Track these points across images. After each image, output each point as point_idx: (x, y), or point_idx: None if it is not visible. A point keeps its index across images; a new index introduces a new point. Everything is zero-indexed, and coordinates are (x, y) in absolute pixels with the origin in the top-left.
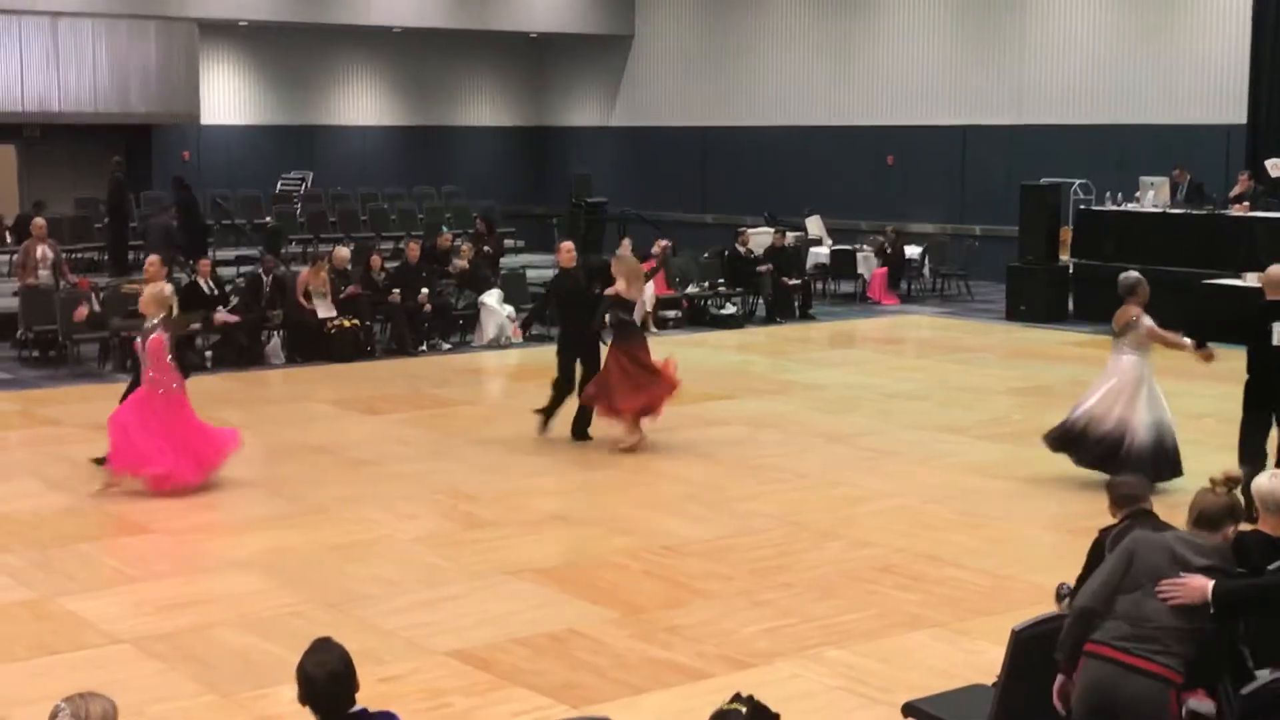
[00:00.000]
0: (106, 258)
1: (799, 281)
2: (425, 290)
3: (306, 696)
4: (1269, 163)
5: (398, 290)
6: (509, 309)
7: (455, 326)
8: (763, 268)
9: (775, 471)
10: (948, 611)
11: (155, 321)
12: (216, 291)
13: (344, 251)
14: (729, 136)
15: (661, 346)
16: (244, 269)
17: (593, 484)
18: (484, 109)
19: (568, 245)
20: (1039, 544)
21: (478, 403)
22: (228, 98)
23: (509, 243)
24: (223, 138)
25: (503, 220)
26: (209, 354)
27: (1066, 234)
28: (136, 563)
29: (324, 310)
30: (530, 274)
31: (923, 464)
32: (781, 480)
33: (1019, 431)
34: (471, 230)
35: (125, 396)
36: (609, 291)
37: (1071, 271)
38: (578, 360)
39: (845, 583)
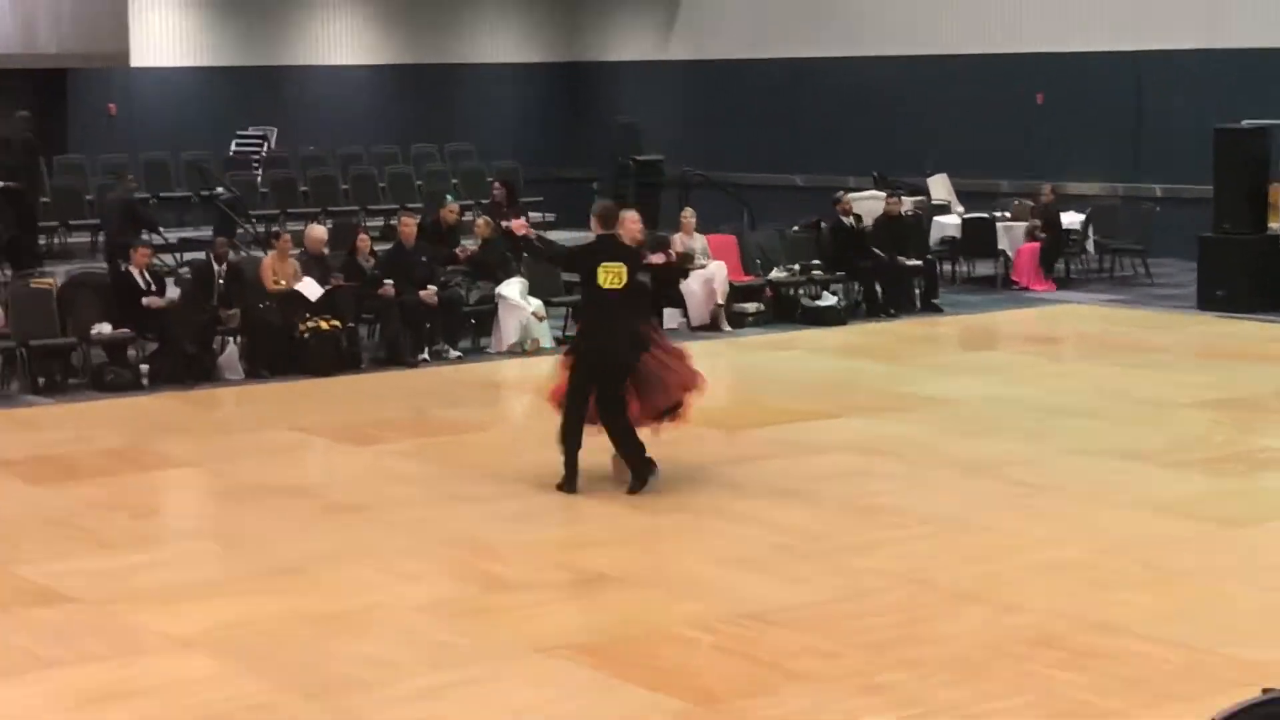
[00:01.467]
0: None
1: (920, 262)
2: (429, 283)
3: None
4: None
5: (391, 282)
6: (536, 304)
7: (467, 328)
8: (871, 252)
9: (894, 514)
10: (1127, 696)
11: None
12: (154, 285)
13: (319, 231)
14: (824, 71)
15: (736, 352)
16: (189, 256)
17: (651, 532)
18: (501, 41)
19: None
20: (1245, 607)
21: (498, 427)
22: (165, 33)
23: (535, 215)
24: (159, 85)
25: (527, 187)
26: (144, 367)
27: (1278, 193)
28: (53, 641)
29: (309, 287)
30: None
31: (1091, 501)
32: (902, 526)
33: (1218, 457)
34: (486, 200)
35: None
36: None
37: None
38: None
39: (989, 660)
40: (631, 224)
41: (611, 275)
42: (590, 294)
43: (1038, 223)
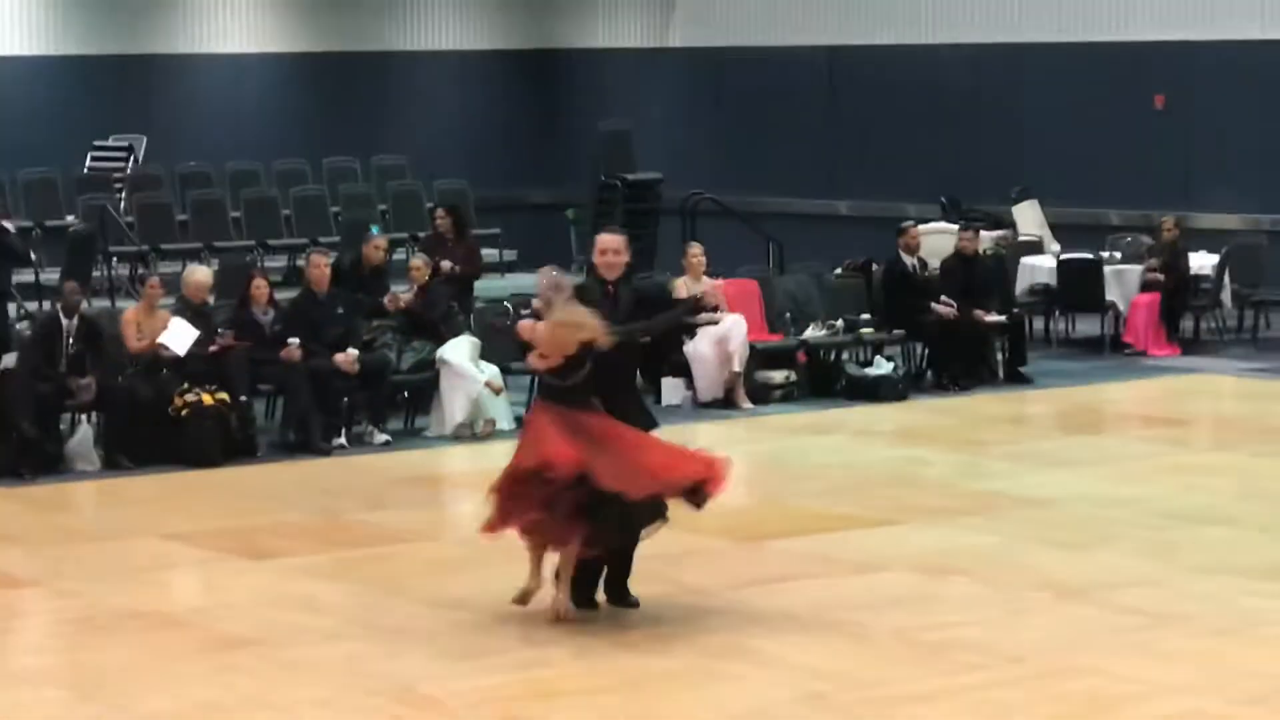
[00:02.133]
0: None
1: (1003, 318)
2: (347, 343)
3: None
4: None
5: (296, 341)
6: (491, 371)
7: (397, 403)
8: (942, 307)
9: (968, 652)
10: None
11: None
12: None
13: (200, 274)
14: (875, 65)
15: (758, 437)
16: (30, 306)
17: (642, 677)
18: (446, 24)
19: (613, 241)
20: None
21: (438, 537)
22: (2, 13)
23: (491, 253)
24: None
25: (480, 216)
26: None
27: None
28: None
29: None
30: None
31: (1229, 636)
32: (979, 668)
33: None
34: (426, 233)
35: None
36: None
37: None
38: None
39: None
40: (608, 253)
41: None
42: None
43: (1155, 264)
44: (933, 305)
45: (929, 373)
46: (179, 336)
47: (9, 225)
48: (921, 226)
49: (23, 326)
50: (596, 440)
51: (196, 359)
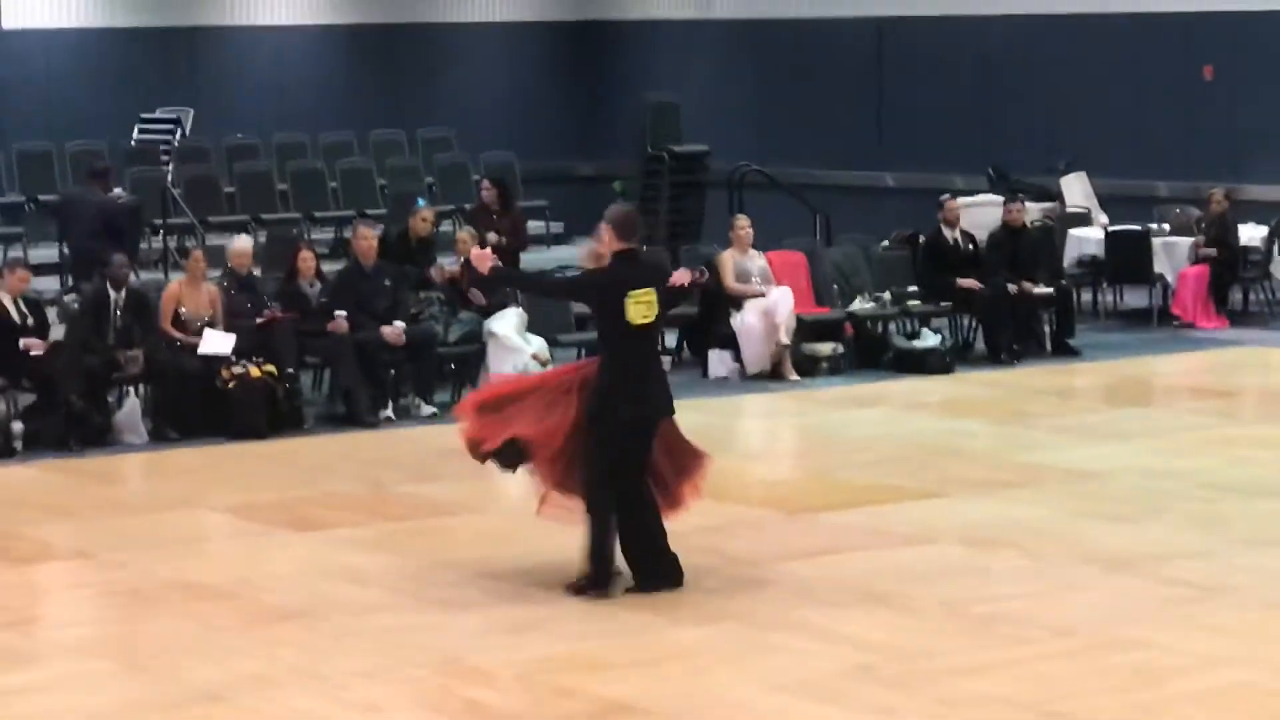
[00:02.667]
0: None
1: (1050, 289)
2: (394, 316)
3: None
4: None
5: (343, 314)
6: (538, 343)
7: (444, 376)
8: (966, 282)
9: (1015, 624)
10: None
11: None
12: (30, 319)
13: (244, 243)
14: (922, 36)
15: (805, 409)
16: (77, 280)
17: (690, 649)
18: None
19: (619, 219)
20: None
21: (485, 510)
22: None
23: (537, 225)
24: (38, 53)
25: (526, 187)
26: (18, 427)
27: None
28: None
29: (210, 343)
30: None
31: (1276, 609)
32: (1027, 641)
33: None
34: (471, 205)
35: None
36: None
37: None
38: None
39: None
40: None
41: (643, 306)
42: (618, 332)
43: (1203, 238)
44: (959, 282)
45: (974, 345)
46: (217, 344)
47: (119, 193)
48: (968, 199)
49: (70, 299)
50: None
51: (244, 331)
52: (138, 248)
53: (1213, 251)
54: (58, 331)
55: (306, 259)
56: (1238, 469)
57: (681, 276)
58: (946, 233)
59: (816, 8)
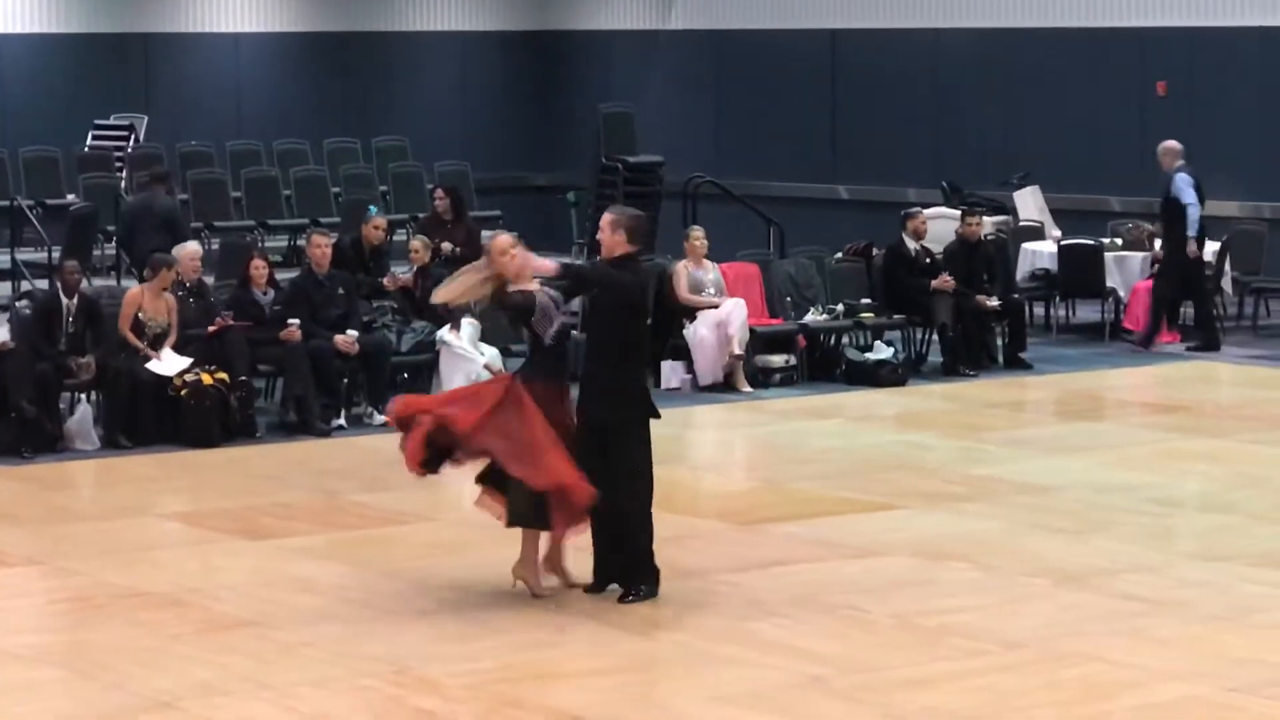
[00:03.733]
0: None
1: (1000, 302)
2: (347, 324)
3: None
4: None
5: (296, 322)
6: (491, 353)
7: (397, 384)
8: (940, 279)
9: (965, 637)
10: None
11: None
12: None
13: (192, 249)
14: (876, 49)
15: (757, 420)
16: (28, 285)
17: (639, 659)
18: (449, 4)
19: (619, 219)
20: None
21: (437, 519)
22: None
23: (489, 235)
24: None
25: (480, 197)
26: None
27: None
28: None
29: (166, 365)
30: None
31: (1227, 623)
32: (977, 653)
33: None
34: (424, 215)
35: None
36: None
37: None
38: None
39: None
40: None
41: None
42: (637, 332)
43: (1156, 254)
44: (932, 283)
45: (927, 356)
46: (171, 367)
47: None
48: (927, 212)
49: (22, 305)
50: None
51: (195, 339)
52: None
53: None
54: (3, 337)
55: (259, 267)
56: (1187, 483)
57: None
58: (909, 244)
59: (772, 19)
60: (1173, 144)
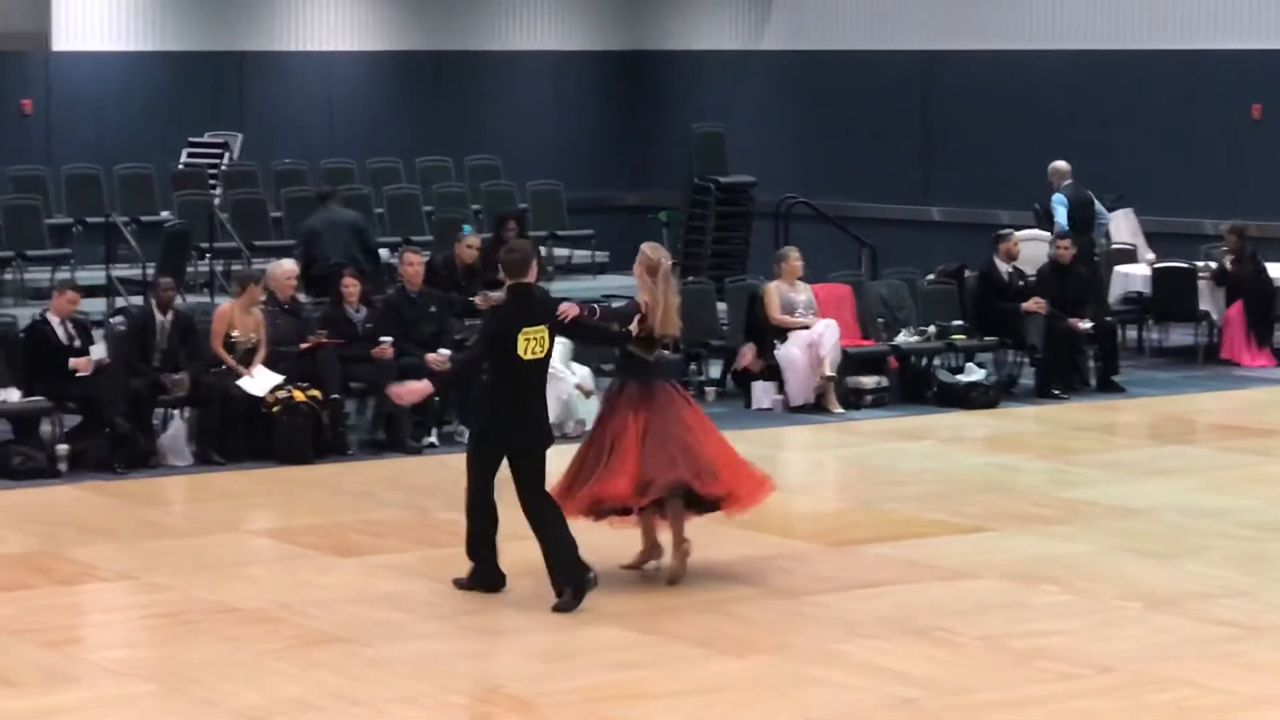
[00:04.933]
0: None
1: (1093, 325)
2: (439, 343)
3: None
4: None
5: (389, 340)
6: (582, 373)
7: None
8: (1032, 302)
9: (1056, 660)
10: None
11: None
12: (78, 340)
13: (286, 267)
14: (970, 70)
15: (849, 442)
16: (123, 302)
17: (728, 680)
18: (541, 24)
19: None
20: None
21: (526, 536)
22: (98, 8)
23: (582, 254)
24: (89, 75)
25: (572, 217)
26: (62, 448)
27: None
28: None
29: (257, 383)
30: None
31: None
32: (1069, 676)
33: None
34: (489, 235)
35: None
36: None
37: None
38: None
39: None
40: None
41: (533, 342)
42: (511, 364)
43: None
44: (1024, 305)
45: (1019, 379)
46: (259, 383)
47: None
48: (1017, 234)
49: (117, 321)
50: (662, 429)
51: (288, 356)
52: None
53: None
54: (99, 354)
55: (351, 285)
56: (1279, 508)
57: (568, 310)
58: (1001, 266)
59: (866, 40)
60: (1060, 164)
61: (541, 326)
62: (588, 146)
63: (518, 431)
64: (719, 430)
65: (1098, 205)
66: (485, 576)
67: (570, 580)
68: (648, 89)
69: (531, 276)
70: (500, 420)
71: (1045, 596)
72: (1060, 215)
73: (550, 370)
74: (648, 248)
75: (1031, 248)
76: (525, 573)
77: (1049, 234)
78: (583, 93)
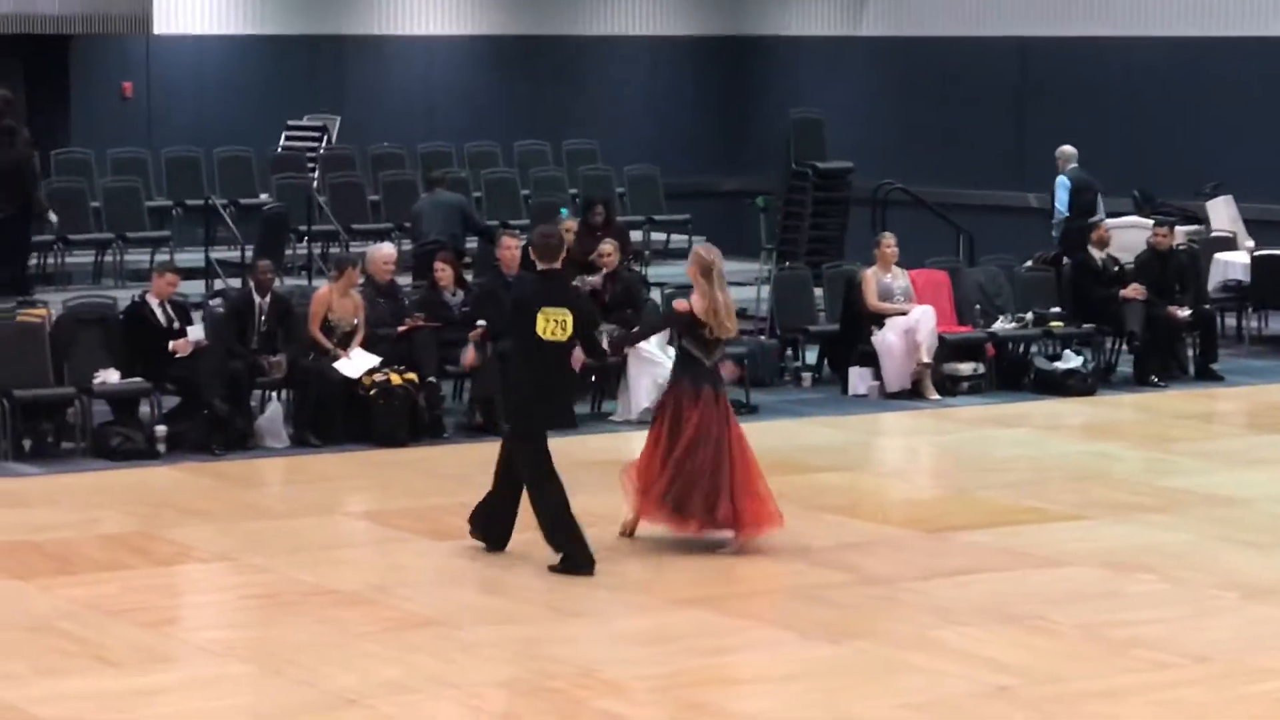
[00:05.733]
0: None
1: (1191, 313)
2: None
3: None
4: None
5: (484, 323)
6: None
7: (586, 387)
8: (1131, 288)
9: (1153, 649)
10: None
11: None
12: (177, 322)
13: (385, 251)
14: (1068, 57)
15: (945, 429)
16: (222, 284)
17: (824, 666)
18: (638, 8)
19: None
20: None
21: (620, 519)
22: None
23: (679, 239)
24: (189, 59)
25: (669, 201)
26: (161, 430)
27: None
28: None
29: (354, 365)
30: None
31: None
32: (1165, 665)
33: None
34: (577, 218)
35: None
36: (677, 306)
37: None
38: None
39: None
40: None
41: (554, 324)
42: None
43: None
44: (1123, 292)
45: (1117, 366)
46: (356, 365)
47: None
48: (1114, 221)
49: (216, 303)
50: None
51: (385, 339)
52: (281, 254)
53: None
54: (197, 335)
55: (445, 269)
56: None
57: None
58: (1094, 254)
59: (963, 26)
60: (1067, 148)
61: (564, 309)
62: (685, 131)
63: (546, 407)
64: (749, 449)
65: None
66: (574, 557)
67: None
68: (745, 74)
69: (559, 264)
70: (528, 399)
71: (1141, 585)
72: (1061, 198)
73: (646, 355)
74: (700, 248)
75: (1130, 234)
76: (613, 557)
77: (1148, 220)
78: (680, 78)
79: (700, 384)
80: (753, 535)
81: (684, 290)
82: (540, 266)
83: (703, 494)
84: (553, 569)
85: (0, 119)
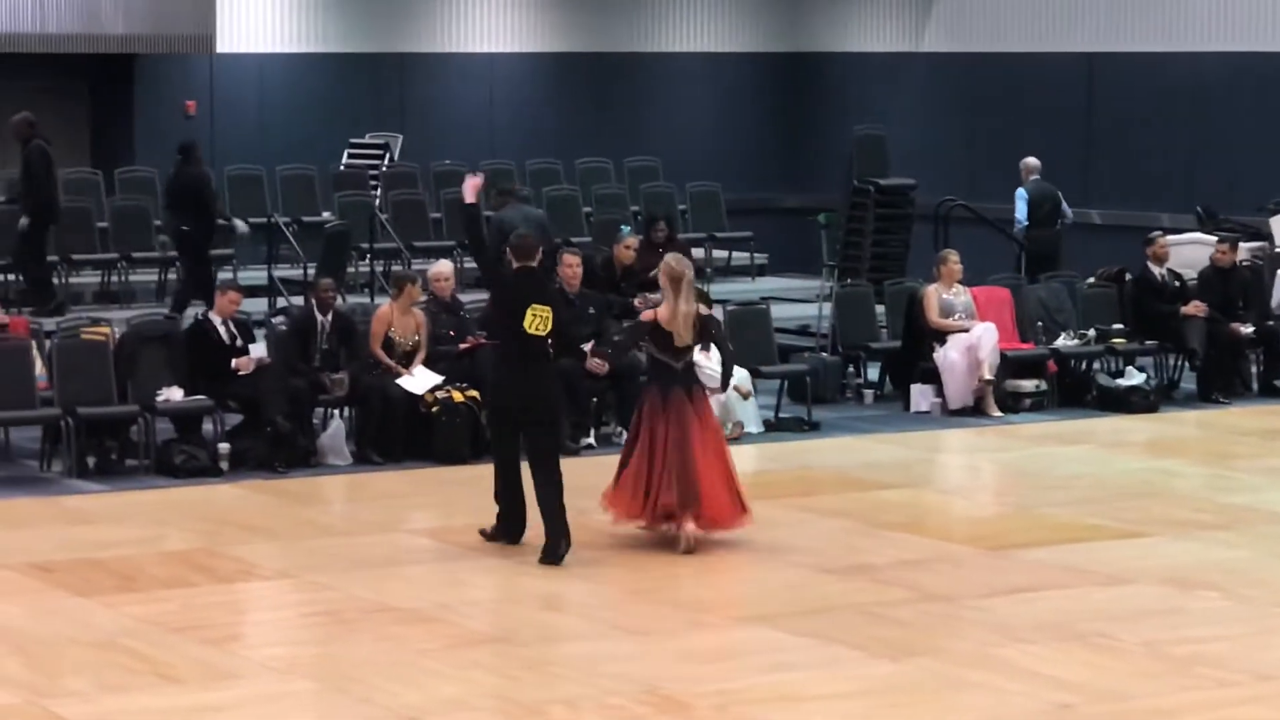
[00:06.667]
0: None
1: (1255, 329)
2: (597, 344)
3: None
4: None
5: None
6: (741, 375)
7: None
8: (1192, 305)
9: (1216, 667)
10: None
11: None
12: (239, 340)
13: (443, 268)
14: (1132, 72)
15: (1007, 445)
16: (285, 302)
17: (886, 683)
18: (700, 25)
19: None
20: None
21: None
22: (262, 11)
23: (741, 256)
24: (251, 77)
25: (731, 218)
26: (224, 447)
27: None
28: None
29: (416, 382)
30: (779, 312)
31: None
32: (1228, 683)
33: None
34: (640, 235)
35: None
36: (644, 316)
37: None
38: None
39: None
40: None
41: (538, 319)
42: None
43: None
44: (1184, 308)
45: (1179, 383)
46: (419, 383)
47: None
48: (1176, 237)
49: (279, 321)
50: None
51: (446, 356)
52: (343, 272)
53: None
54: (260, 353)
55: (575, 266)
56: None
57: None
58: (1154, 270)
59: (1026, 42)
60: (1030, 160)
61: (547, 307)
62: (747, 148)
63: (520, 396)
64: (724, 444)
65: (1064, 205)
66: (507, 526)
67: (555, 531)
68: (807, 91)
69: (535, 263)
70: (504, 386)
71: (1204, 602)
72: (1020, 210)
73: (710, 371)
74: (671, 259)
75: (1193, 250)
76: (675, 575)
77: (1211, 236)
78: (742, 94)
79: (669, 388)
80: (714, 529)
81: (748, 306)
82: (516, 265)
83: (680, 491)
84: (484, 534)
85: (27, 140)
